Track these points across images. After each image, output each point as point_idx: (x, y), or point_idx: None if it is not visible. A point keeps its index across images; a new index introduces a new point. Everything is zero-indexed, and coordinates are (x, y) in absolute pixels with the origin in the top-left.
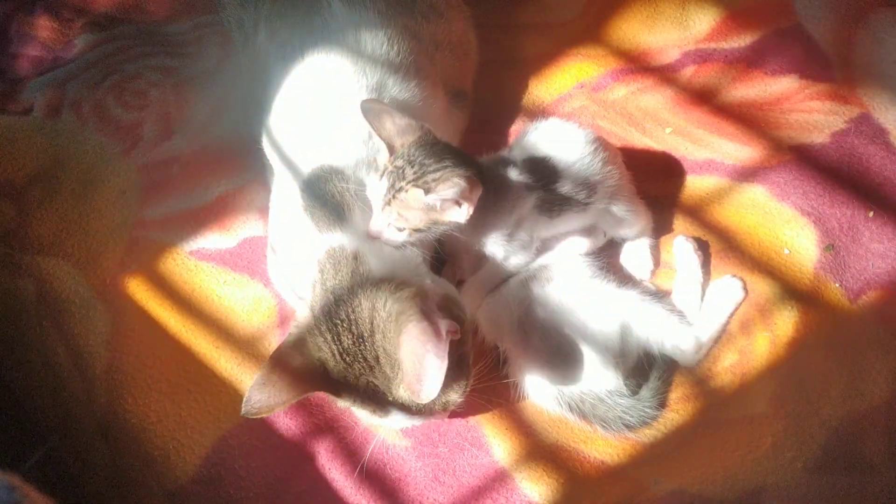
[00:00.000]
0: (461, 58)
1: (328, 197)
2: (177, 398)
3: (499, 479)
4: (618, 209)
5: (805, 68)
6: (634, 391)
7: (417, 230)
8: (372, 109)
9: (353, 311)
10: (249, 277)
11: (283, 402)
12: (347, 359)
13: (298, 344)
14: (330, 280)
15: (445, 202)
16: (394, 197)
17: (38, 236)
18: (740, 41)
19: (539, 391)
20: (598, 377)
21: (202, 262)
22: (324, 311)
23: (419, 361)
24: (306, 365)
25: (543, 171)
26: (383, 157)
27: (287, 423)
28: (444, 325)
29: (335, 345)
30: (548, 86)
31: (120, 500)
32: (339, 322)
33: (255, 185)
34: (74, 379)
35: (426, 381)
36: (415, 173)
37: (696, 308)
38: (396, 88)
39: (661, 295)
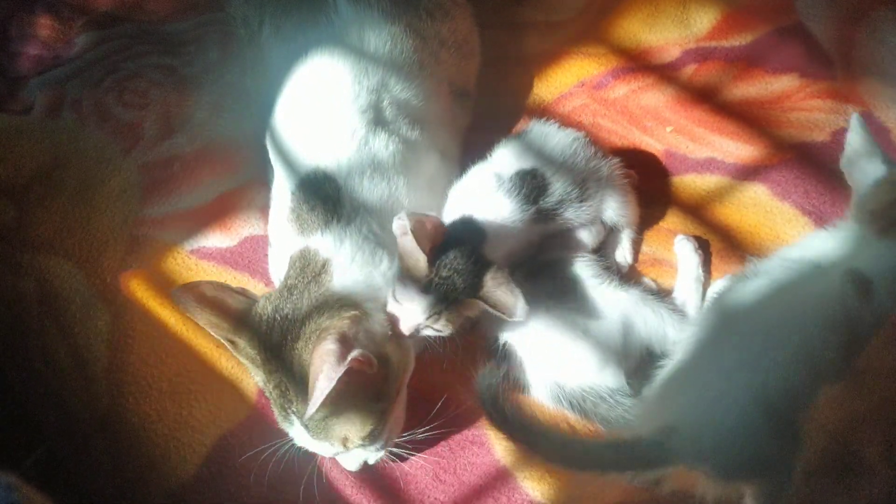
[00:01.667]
0: (466, 57)
1: (317, 202)
2: (177, 397)
3: (500, 477)
4: (610, 202)
5: (806, 67)
6: (637, 390)
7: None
8: (415, 228)
9: (293, 312)
10: (250, 276)
11: (207, 323)
12: (268, 354)
13: (242, 313)
14: (292, 278)
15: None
16: (446, 308)
17: (38, 235)
18: (741, 39)
19: (540, 387)
20: (600, 375)
21: (203, 261)
22: (271, 301)
23: (315, 378)
24: (232, 327)
25: (533, 186)
26: (418, 264)
27: None
28: (354, 353)
29: (265, 336)
30: (548, 84)
31: (120, 500)
32: (277, 318)
33: (256, 184)
34: (75, 378)
35: (312, 398)
36: (464, 282)
37: (697, 307)
38: (398, 87)
39: (662, 294)
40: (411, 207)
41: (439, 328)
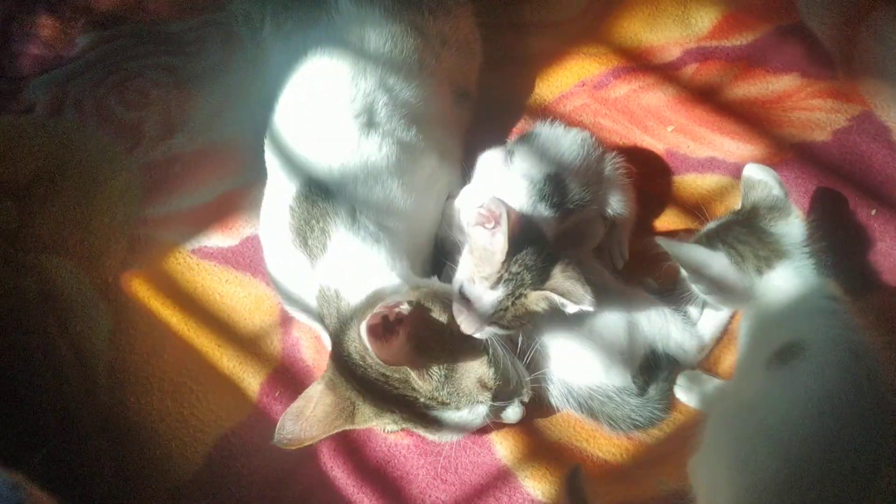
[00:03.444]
0: (467, 56)
1: (314, 221)
2: (179, 397)
3: (502, 477)
4: (611, 199)
5: (807, 66)
6: (642, 389)
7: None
8: (512, 223)
9: (348, 347)
10: (251, 276)
11: (314, 438)
12: (368, 386)
13: (330, 385)
14: (329, 322)
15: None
16: (513, 304)
17: (40, 235)
18: (742, 39)
19: (547, 387)
20: (607, 375)
21: (204, 261)
22: (333, 355)
23: (389, 353)
24: (338, 404)
25: (557, 190)
26: (493, 258)
27: None
28: (375, 310)
29: (353, 381)
30: (549, 84)
31: (122, 499)
32: (346, 359)
33: (258, 183)
34: (77, 377)
35: (411, 362)
36: (532, 277)
37: (698, 308)
38: (398, 87)
39: (665, 294)
40: (408, 209)
41: (505, 325)
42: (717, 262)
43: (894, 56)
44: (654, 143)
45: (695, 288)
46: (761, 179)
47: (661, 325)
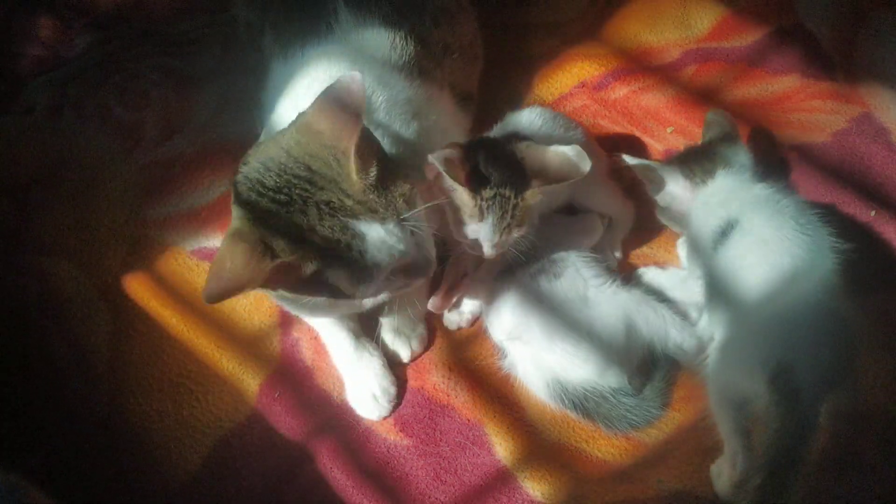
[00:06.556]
0: (470, 61)
1: None
2: (178, 398)
3: (501, 478)
4: (591, 199)
5: (806, 67)
6: (639, 390)
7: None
8: (446, 166)
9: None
10: None
11: (243, 287)
12: (283, 196)
13: (236, 236)
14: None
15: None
16: (512, 216)
17: (39, 236)
18: (741, 40)
19: (542, 386)
20: (603, 375)
21: (204, 262)
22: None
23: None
24: (251, 248)
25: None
26: (463, 197)
27: (288, 423)
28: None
29: (266, 216)
30: (549, 85)
31: (121, 499)
32: (272, 167)
33: None
34: (76, 378)
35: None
36: (511, 185)
37: (698, 308)
38: (398, 88)
39: (664, 294)
40: None
41: (516, 236)
42: (671, 175)
43: (893, 57)
44: (654, 145)
45: (656, 200)
46: (719, 120)
47: (659, 326)
